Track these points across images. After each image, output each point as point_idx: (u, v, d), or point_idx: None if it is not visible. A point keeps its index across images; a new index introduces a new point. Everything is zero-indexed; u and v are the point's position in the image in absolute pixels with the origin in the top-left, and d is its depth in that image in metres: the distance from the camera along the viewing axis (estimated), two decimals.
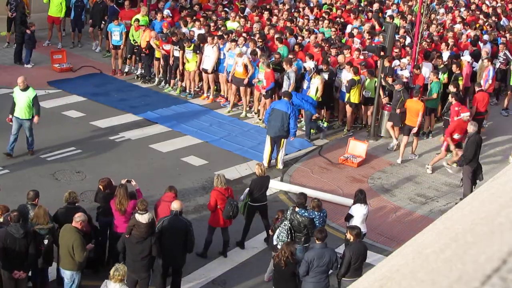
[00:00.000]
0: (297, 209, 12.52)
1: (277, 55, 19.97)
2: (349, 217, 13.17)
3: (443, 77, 19.95)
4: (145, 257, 11.35)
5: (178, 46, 21.16)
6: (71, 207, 11.88)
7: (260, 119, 19.90)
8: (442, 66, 20.40)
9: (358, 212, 13.08)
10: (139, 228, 11.24)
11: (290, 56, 19.94)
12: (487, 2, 30.34)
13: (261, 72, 19.40)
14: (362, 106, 19.88)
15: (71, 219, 11.55)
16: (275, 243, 12.40)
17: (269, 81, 19.28)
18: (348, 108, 19.57)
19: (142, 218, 11.26)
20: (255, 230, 14.10)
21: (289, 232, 12.30)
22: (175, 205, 11.78)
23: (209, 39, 20.73)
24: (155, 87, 22.23)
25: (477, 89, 19.23)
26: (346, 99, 19.39)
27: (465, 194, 15.61)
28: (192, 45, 20.92)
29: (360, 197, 13.17)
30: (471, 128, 16.44)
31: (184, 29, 22.03)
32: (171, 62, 21.54)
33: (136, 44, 22.31)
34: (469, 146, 16.12)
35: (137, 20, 22.39)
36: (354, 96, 19.21)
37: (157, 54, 21.92)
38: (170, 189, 12.68)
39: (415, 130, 18.12)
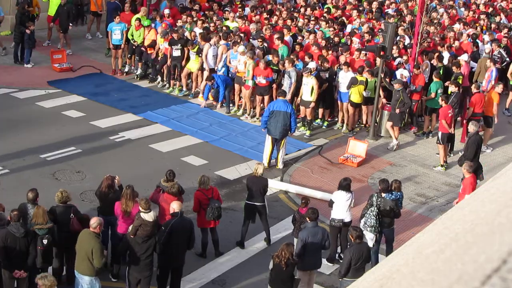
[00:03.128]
0: (383, 194, 13.02)
1: (276, 58, 19.92)
2: (331, 203, 13.43)
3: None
4: (149, 255, 11.39)
5: (179, 45, 21.09)
6: (66, 206, 11.87)
7: (257, 119, 19.87)
8: (441, 66, 20.37)
9: (340, 198, 13.24)
10: (146, 227, 11.25)
11: (292, 56, 19.91)
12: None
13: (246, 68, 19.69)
14: (362, 106, 19.85)
15: (67, 219, 11.59)
16: (362, 228, 12.73)
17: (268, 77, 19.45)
18: (350, 108, 19.54)
19: (148, 216, 11.27)
20: (255, 230, 14.09)
21: (377, 217, 12.90)
22: (176, 206, 11.76)
23: (210, 39, 20.73)
24: (155, 87, 22.22)
25: (474, 90, 19.16)
26: (348, 99, 19.36)
27: None
28: (196, 47, 20.90)
29: (343, 184, 13.37)
30: (471, 128, 16.45)
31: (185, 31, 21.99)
32: (168, 62, 21.50)
33: (135, 43, 22.25)
34: (469, 146, 16.13)
35: (138, 19, 22.28)
36: (355, 95, 19.18)
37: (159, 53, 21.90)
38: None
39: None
